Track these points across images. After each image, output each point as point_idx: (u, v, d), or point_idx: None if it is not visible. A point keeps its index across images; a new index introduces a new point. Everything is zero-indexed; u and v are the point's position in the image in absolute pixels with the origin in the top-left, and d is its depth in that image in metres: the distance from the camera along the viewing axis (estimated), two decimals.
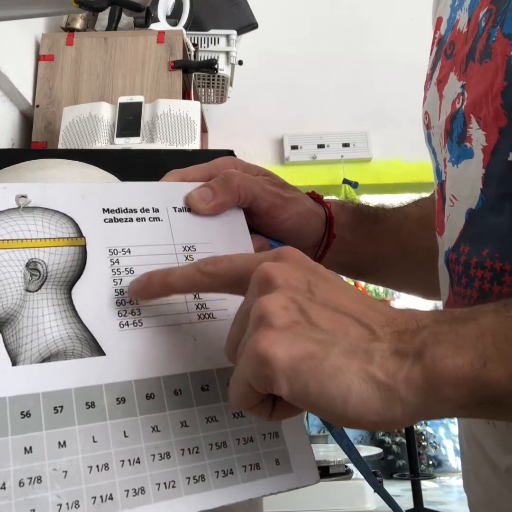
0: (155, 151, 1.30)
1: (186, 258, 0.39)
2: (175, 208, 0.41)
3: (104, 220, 0.38)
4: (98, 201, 0.39)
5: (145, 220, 0.40)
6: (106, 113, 1.47)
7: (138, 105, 1.45)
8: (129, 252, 0.38)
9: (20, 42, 1.65)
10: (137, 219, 0.39)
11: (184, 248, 0.40)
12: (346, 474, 1.83)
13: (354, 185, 2.60)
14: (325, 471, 1.78)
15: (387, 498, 0.39)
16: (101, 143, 1.43)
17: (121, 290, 0.36)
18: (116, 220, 0.39)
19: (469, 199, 0.42)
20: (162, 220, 0.40)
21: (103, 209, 0.39)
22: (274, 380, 0.28)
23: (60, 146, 1.46)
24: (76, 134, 1.46)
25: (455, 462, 4.44)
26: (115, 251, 0.38)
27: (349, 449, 0.39)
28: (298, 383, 0.28)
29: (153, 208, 0.40)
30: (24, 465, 0.29)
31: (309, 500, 1.61)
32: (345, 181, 2.61)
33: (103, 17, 1.85)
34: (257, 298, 0.30)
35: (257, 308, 0.29)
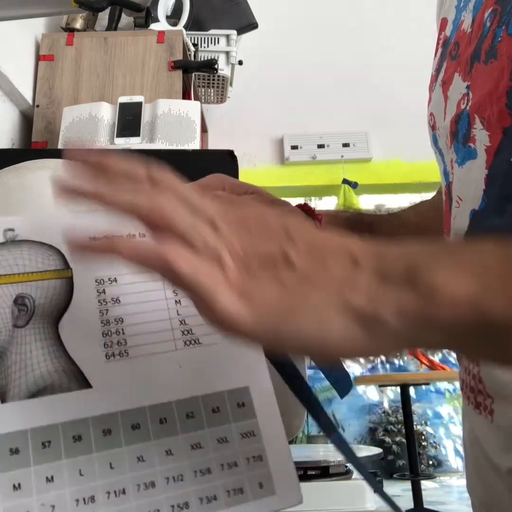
0: (155, 151, 1.30)
1: None
2: None
3: None
4: (84, 230, 0.39)
5: None
6: (106, 113, 1.47)
7: (138, 105, 1.45)
8: (116, 281, 0.38)
9: (20, 42, 1.65)
10: None
11: None
12: (346, 474, 1.83)
13: (354, 185, 2.60)
14: (325, 471, 1.77)
15: (386, 498, 0.39)
16: (101, 143, 1.43)
17: (107, 321, 0.36)
18: None
19: (473, 200, 0.42)
20: None
21: (90, 238, 0.39)
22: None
23: (60, 146, 1.46)
24: (76, 134, 1.46)
25: (455, 462, 4.43)
26: (102, 281, 0.38)
27: (347, 453, 0.39)
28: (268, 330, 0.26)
29: (139, 233, 0.40)
30: (13, 502, 0.30)
31: (309, 500, 1.61)
32: (345, 181, 2.61)
33: (103, 17, 1.85)
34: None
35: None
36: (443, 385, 4.61)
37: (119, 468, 0.32)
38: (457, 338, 0.27)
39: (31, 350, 0.34)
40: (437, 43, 0.53)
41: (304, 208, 0.52)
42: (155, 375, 0.36)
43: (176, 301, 0.39)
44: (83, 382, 0.34)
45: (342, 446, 0.39)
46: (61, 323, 0.36)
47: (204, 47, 2.10)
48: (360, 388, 4.45)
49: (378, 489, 0.40)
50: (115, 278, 0.38)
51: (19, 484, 0.30)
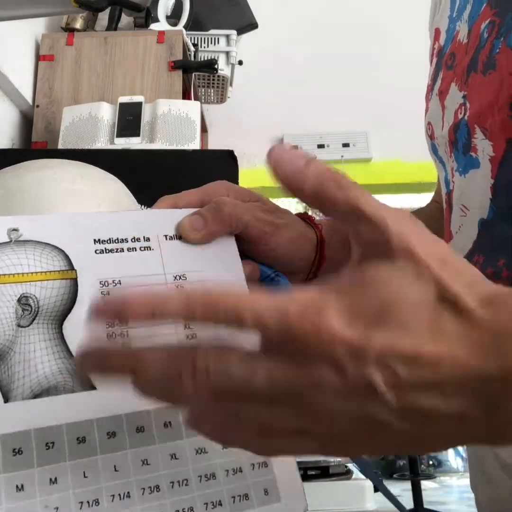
0: (155, 151, 1.30)
1: (177, 287, 0.39)
2: (166, 236, 0.41)
3: (95, 251, 0.38)
4: (89, 232, 0.39)
5: (136, 250, 0.39)
6: (106, 113, 1.47)
7: (138, 105, 1.45)
8: (120, 283, 0.38)
9: (20, 42, 1.65)
10: (128, 249, 0.39)
11: (175, 277, 0.40)
12: (346, 474, 1.83)
13: None
14: (325, 471, 1.78)
15: (389, 496, 0.40)
16: (101, 143, 1.43)
17: (112, 323, 0.36)
18: (107, 251, 0.39)
19: (481, 210, 0.43)
20: (153, 249, 0.40)
21: (95, 240, 0.39)
22: None
23: (60, 146, 1.46)
24: (76, 134, 1.46)
25: (455, 462, 4.43)
26: (106, 283, 0.37)
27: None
28: None
29: (144, 237, 0.40)
30: (16, 503, 0.29)
31: (309, 500, 1.61)
32: None
33: (103, 17, 1.85)
34: None
35: None
36: None
37: (124, 471, 0.32)
38: None
39: (35, 350, 0.34)
40: (432, 53, 0.54)
41: (304, 217, 0.51)
42: None
43: None
44: (87, 384, 0.34)
45: None
46: (65, 324, 0.35)
47: (204, 47, 2.10)
48: None
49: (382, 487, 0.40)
50: (119, 281, 0.38)
51: (22, 485, 0.30)
